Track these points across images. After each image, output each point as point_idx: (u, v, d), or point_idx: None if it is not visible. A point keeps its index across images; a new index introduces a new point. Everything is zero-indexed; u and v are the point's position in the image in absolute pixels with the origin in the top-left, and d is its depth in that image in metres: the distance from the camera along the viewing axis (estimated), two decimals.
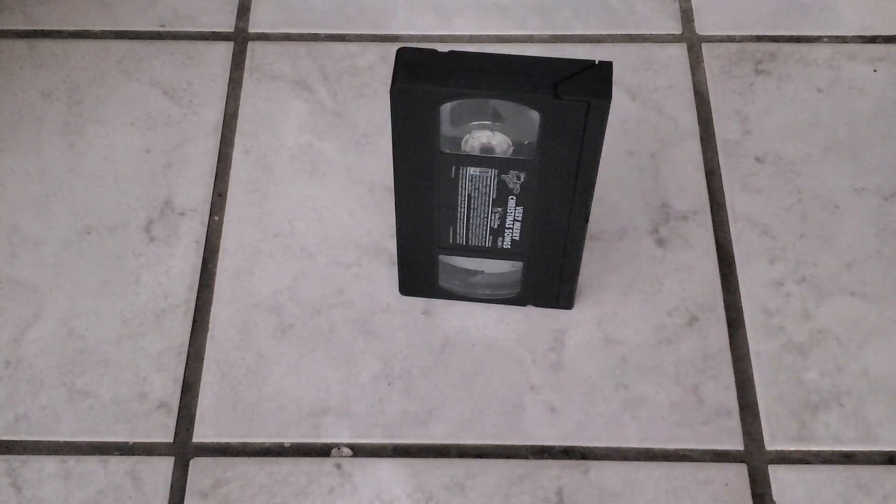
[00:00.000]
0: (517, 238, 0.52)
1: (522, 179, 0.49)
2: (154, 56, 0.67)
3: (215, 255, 0.59)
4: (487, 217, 0.51)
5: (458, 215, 0.52)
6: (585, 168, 0.48)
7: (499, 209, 0.51)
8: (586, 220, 0.51)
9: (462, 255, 0.54)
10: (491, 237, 0.53)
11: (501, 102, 0.46)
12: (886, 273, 0.58)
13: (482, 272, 0.56)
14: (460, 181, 0.50)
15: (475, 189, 0.50)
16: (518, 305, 0.56)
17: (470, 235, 0.53)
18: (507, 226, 0.52)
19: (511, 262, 0.54)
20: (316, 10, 0.69)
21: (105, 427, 0.53)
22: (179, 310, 0.57)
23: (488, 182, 0.50)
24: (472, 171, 0.49)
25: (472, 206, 0.51)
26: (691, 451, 0.53)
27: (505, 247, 0.53)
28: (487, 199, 0.50)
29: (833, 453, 0.52)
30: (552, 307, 0.56)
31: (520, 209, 0.51)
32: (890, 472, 0.52)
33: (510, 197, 0.50)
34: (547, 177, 0.49)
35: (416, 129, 0.47)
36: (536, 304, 0.56)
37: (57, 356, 0.55)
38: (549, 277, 0.55)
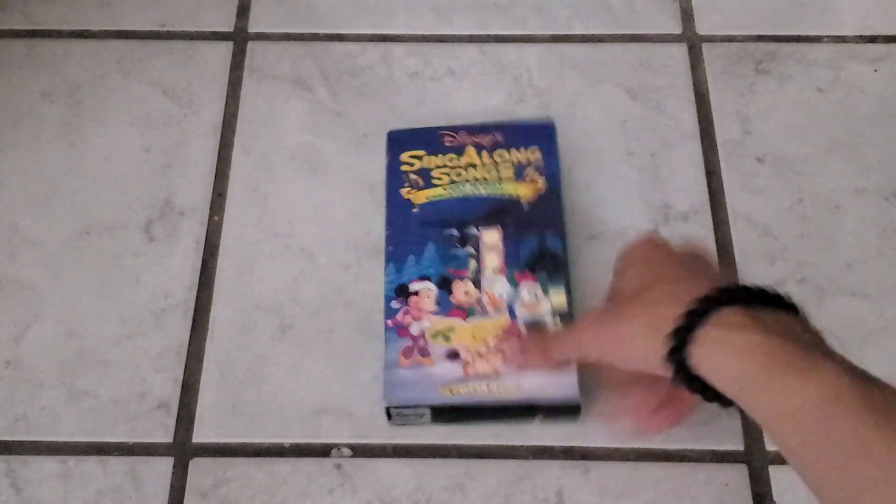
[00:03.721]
0: None
1: None
2: (154, 56, 0.67)
3: (215, 255, 0.59)
4: None
5: None
6: None
7: None
8: None
9: None
10: None
11: None
12: (886, 273, 0.58)
13: None
14: None
15: None
16: None
17: None
18: None
19: None
20: (316, 10, 0.69)
21: (105, 427, 0.53)
22: (179, 310, 0.57)
23: None
24: None
25: None
26: (691, 451, 0.53)
27: None
28: None
29: None
30: None
31: None
32: None
33: None
34: None
35: None
36: None
37: (57, 356, 0.55)
38: None
